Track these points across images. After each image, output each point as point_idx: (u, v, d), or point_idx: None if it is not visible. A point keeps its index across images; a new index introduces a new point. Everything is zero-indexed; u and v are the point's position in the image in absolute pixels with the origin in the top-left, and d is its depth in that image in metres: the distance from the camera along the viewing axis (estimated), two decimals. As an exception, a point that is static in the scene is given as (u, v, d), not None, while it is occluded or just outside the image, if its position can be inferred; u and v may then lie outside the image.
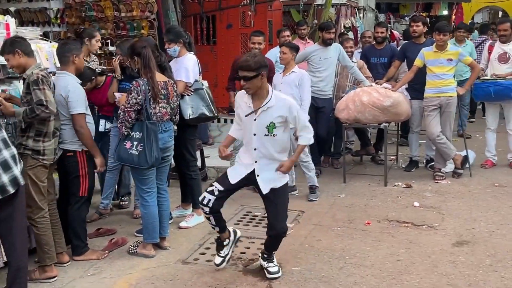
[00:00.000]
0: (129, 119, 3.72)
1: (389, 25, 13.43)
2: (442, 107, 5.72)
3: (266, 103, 3.35)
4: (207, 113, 4.47)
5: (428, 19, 7.45)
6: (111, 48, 6.56)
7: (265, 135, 3.39)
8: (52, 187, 3.81)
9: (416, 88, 5.97)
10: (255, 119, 3.37)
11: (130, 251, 4.02)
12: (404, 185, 5.66)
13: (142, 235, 4.09)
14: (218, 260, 3.68)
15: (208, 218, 3.57)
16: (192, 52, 4.52)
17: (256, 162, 3.44)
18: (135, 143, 3.74)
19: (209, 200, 3.43)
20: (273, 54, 5.96)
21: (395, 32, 13.66)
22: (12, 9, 7.31)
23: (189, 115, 4.34)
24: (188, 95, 4.37)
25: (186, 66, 4.36)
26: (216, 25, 7.89)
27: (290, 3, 9.51)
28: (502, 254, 3.88)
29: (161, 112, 3.83)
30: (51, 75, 3.75)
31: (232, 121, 4.66)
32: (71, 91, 3.67)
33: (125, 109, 3.73)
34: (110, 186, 4.88)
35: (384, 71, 6.52)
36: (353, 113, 5.65)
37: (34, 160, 3.49)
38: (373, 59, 6.70)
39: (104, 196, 4.89)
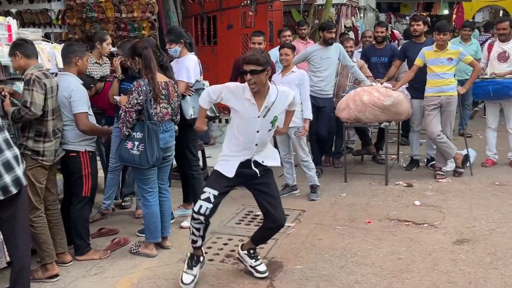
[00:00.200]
0: (130, 120, 3.74)
1: (389, 25, 13.45)
2: (442, 106, 5.74)
3: (274, 101, 3.34)
4: (209, 113, 4.48)
5: (428, 19, 7.45)
6: (112, 49, 6.58)
7: (269, 130, 3.41)
8: (55, 187, 3.83)
9: (417, 87, 5.98)
10: (258, 116, 3.34)
11: (132, 251, 4.05)
12: (405, 184, 5.67)
13: (144, 235, 4.11)
14: (188, 278, 3.42)
15: (197, 230, 3.36)
16: (193, 53, 4.55)
17: (254, 155, 3.43)
18: (136, 143, 3.76)
19: (207, 208, 3.30)
20: (274, 54, 5.97)
21: (395, 31, 13.67)
22: (13, 10, 7.35)
23: (191, 115, 4.36)
24: (189, 95, 4.39)
25: (187, 66, 4.38)
26: (217, 25, 7.91)
27: (291, 3, 9.53)
28: (502, 252, 3.89)
29: (162, 112, 3.85)
30: (52, 75, 3.77)
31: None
32: (73, 90, 3.70)
33: (126, 109, 3.75)
34: (112, 187, 4.90)
35: (384, 70, 6.54)
36: (354, 113, 5.66)
37: (33, 160, 3.51)
38: (373, 58, 6.72)
39: (106, 196, 4.91)
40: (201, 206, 3.31)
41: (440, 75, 5.67)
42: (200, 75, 4.56)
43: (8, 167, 2.93)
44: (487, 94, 6.03)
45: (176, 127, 4.15)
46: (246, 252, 3.65)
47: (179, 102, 4.10)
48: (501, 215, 4.67)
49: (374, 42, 6.97)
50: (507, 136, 6.21)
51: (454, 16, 16.81)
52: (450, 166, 5.98)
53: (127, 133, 3.78)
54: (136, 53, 3.84)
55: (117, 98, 4.16)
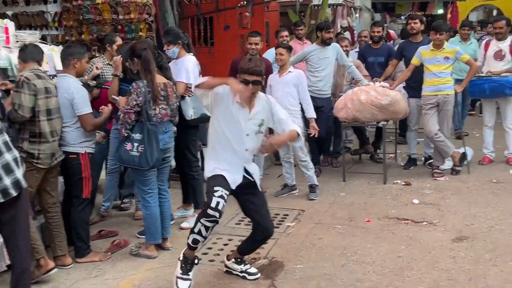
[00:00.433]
0: (129, 121, 3.74)
1: (385, 25, 13.48)
2: (439, 105, 5.76)
3: (263, 103, 3.39)
4: (208, 113, 4.48)
5: (424, 18, 7.50)
6: (97, 54, 6.58)
7: (256, 133, 3.40)
8: (55, 190, 3.81)
9: (414, 86, 6.01)
10: (249, 119, 3.35)
11: (133, 253, 4.04)
12: (403, 183, 5.69)
13: (144, 237, 4.11)
14: (185, 284, 3.30)
15: (207, 229, 3.20)
16: (192, 53, 4.55)
17: (244, 162, 3.41)
18: (136, 144, 3.76)
19: (223, 205, 3.18)
20: (271, 54, 6.00)
21: (391, 31, 13.71)
22: (9, 13, 7.32)
23: (191, 116, 4.36)
24: (189, 96, 4.39)
25: (186, 67, 4.39)
26: (214, 26, 7.91)
27: (287, 4, 9.55)
28: (501, 249, 3.91)
29: (161, 114, 3.85)
30: (50, 77, 3.78)
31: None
32: (75, 92, 3.71)
33: (125, 110, 3.75)
34: (111, 189, 4.89)
35: (381, 70, 6.55)
36: (352, 112, 5.68)
37: (27, 163, 3.44)
38: (370, 58, 6.73)
39: (105, 198, 4.90)
40: (218, 203, 3.16)
41: (437, 74, 5.70)
42: (199, 76, 4.56)
43: (8, 169, 2.92)
44: (483, 92, 6.07)
45: (175, 128, 4.15)
46: (233, 260, 3.61)
47: (178, 103, 4.11)
48: (499, 213, 4.69)
49: (370, 42, 7.00)
50: (503, 134, 6.25)
51: (449, 15, 16.87)
52: (448, 164, 6.00)
53: (126, 134, 3.78)
54: (135, 54, 3.85)
55: (116, 97, 4.14)
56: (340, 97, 6.02)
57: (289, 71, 5.21)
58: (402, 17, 16.73)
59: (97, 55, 6.27)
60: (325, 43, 5.88)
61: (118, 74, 4.16)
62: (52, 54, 4.23)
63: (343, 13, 10.88)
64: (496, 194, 5.23)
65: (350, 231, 4.39)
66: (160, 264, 3.87)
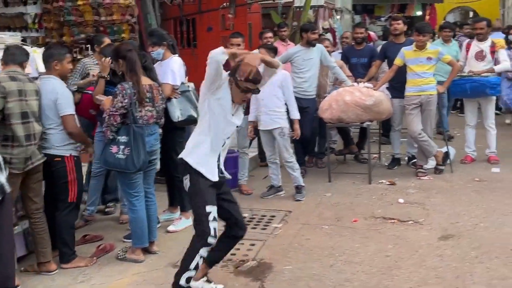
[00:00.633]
0: (115, 123, 3.69)
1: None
2: (422, 105, 5.83)
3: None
4: (195, 115, 4.46)
5: (405, 19, 7.60)
6: (91, 53, 6.48)
7: (237, 126, 3.36)
8: (38, 196, 3.70)
9: (396, 87, 6.08)
10: (233, 114, 3.23)
11: (119, 257, 3.98)
12: (388, 183, 5.74)
13: (130, 241, 4.05)
14: None
15: (202, 257, 3.15)
16: (177, 55, 4.52)
17: (219, 154, 3.28)
18: (122, 147, 3.71)
19: (216, 229, 3.13)
20: (255, 55, 5.98)
21: (371, 33, 13.84)
22: (-14, 14, 7.16)
23: (178, 118, 4.32)
24: (175, 97, 4.35)
25: (172, 68, 4.35)
26: (196, 28, 7.87)
27: (269, 5, 9.56)
28: (486, 246, 3.97)
29: (147, 116, 3.81)
30: (32, 79, 3.70)
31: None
32: (59, 93, 3.65)
33: (110, 113, 3.70)
34: (95, 192, 4.81)
35: (364, 71, 6.61)
36: (337, 113, 5.71)
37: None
38: (353, 59, 6.78)
39: (90, 202, 4.81)
40: (215, 229, 3.12)
41: (420, 74, 5.77)
42: (185, 77, 4.53)
43: (-9, 174, 2.85)
44: (464, 91, 6.16)
45: (161, 130, 4.11)
46: (204, 279, 3.42)
47: (164, 105, 4.07)
48: (483, 210, 4.77)
49: (353, 43, 7.05)
50: (484, 133, 6.35)
51: (427, 17, 17.13)
52: (431, 163, 6.08)
53: (111, 137, 3.73)
54: (120, 55, 3.80)
55: (100, 97, 4.08)
56: (324, 98, 6.05)
57: (274, 72, 5.19)
58: (382, 19, 16.90)
59: (79, 57, 6.19)
60: (310, 44, 5.90)
61: (105, 76, 4.10)
62: (34, 56, 4.14)
63: (324, 14, 10.96)
64: (479, 192, 5.32)
65: (337, 231, 4.40)
66: (147, 268, 3.82)
